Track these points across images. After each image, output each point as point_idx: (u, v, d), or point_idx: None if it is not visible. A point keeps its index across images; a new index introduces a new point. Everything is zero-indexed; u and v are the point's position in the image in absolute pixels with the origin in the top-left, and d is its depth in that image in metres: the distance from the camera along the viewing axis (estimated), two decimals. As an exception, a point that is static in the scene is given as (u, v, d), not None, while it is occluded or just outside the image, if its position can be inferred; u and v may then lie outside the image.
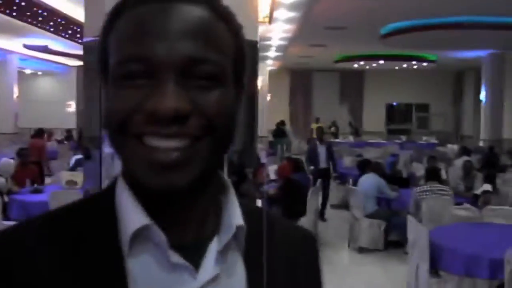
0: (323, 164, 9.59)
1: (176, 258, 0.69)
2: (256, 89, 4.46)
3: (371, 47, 17.05)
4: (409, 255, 5.57)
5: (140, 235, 0.69)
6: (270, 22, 11.44)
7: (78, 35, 13.05)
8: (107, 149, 3.25)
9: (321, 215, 9.28)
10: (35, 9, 11.09)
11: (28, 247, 0.69)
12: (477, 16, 11.84)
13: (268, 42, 15.86)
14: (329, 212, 9.85)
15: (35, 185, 7.74)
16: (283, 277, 0.79)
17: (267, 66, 22.17)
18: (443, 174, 8.46)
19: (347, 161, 12.27)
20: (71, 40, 13.82)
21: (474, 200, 7.08)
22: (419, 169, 10.45)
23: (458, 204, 6.81)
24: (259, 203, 4.15)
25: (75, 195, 6.18)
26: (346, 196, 9.25)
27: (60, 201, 6.38)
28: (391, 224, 7.55)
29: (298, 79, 25.75)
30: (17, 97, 19.24)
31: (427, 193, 6.92)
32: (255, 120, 3.84)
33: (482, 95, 17.62)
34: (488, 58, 17.23)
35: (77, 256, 0.69)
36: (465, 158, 10.31)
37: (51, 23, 12.27)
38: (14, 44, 16.47)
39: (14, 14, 10.65)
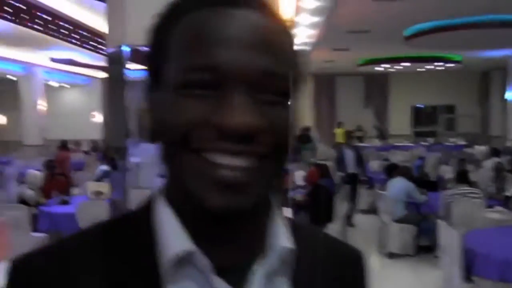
0: (351, 169, 9.46)
1: (220, 284, 0.64)
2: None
3: (395, 49, 16.91)
4: (441, 260, 5.47)
5: (181, 259, 0.64)
6: (293, 27, 11.42)
7: (101, 47, 13.18)
8: (132, 159, 3.25)
9: (349, 220, 9.20)
10: (60, 22, 11.25)
11: (63, 273, 0.64)
12: (502, 14, 11.66)
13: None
14: (357, 217, 9.72)
15: (62, 197, 7.80)
16: None
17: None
18: (472, 176, 8.31)
19: (374, 165, 12.16)
20: (95, 51, 13.97)
21: (506, 202, 6.94)
22: (447, 172, 10.29)
23: (489, 206, 6.68)
24: (286, 210, 4.11)
25: (102, 206, 6.23)
26: (374, 201, 9.13)
27: (87, 212, 6.42)
28: (420, 229, 7.44)
29: (322, 84, 25.61)
30: (46, 109, 19.44)
31: (457, 196, 6.80)
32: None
33: (509, 95, 17.33)
34: (515, 57, 16.98)
35: (114, 283, 0.64)
36: (495, 159, 10.13)
37: (76, 36, 12.43)
38: (39, 57, 16.66)
39: (39, 27, 10.80)
